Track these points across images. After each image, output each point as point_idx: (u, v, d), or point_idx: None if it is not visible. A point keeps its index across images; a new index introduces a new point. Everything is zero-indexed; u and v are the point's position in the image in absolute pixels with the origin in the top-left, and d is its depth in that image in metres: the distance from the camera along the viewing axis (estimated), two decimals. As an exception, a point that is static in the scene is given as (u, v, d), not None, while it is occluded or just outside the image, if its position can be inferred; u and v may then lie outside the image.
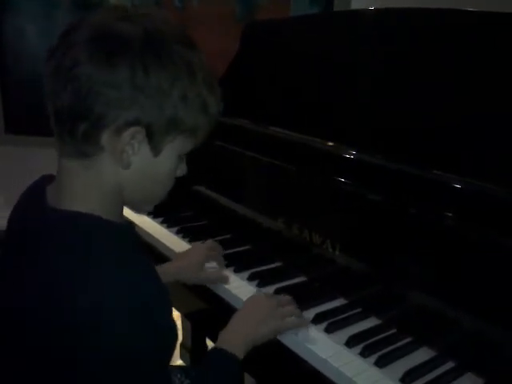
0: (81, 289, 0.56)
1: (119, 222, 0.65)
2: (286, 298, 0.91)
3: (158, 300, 0.60)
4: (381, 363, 0.79)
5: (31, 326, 0.59)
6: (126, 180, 0.63)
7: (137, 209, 0.71)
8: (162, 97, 0.58)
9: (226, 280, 1.03)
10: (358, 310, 0.93)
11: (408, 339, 0.85)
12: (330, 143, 1.04)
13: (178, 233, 1.25)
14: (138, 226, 1.29)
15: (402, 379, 0.76)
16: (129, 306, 0.56)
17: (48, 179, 0.68)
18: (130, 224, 0.69)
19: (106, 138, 0.59)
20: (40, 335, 0.58)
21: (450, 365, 0.80)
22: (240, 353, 0.79)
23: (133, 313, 0.57)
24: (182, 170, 0.69)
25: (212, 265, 1.08)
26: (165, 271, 1.05)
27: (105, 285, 0.56)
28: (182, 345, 1.82)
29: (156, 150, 0.62)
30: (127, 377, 0.58)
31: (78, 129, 0.58)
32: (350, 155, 0.98)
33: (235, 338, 0.81)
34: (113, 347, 0.56)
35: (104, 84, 0.56)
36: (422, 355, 0.82)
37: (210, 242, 1.10)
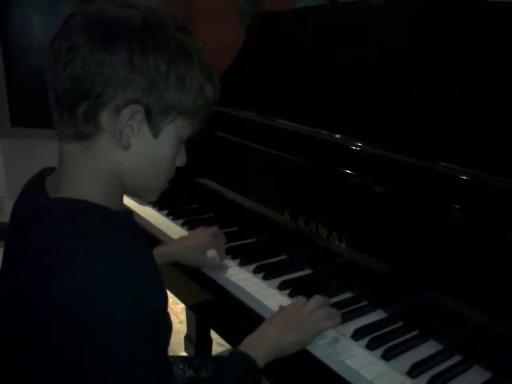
0: (69, 281, 0.55)
1: (117, 210, 0.64)
2: (317, 300, 0.87)
3: (151, 289, 0.60)
4: (387, 356, 0.79)
5: (31, 314, 0.59)
6: (125, 163, 0.63)
7: (139, 197, 0.71)
8: (159, 78, 0.59)
9: (225, 268, 1.04)
10: (365, 302, 0.93)
11: (415, 332, 0.85)
12: (337, 135, 1.03)
13: (183, 225, 1.25)
14: (144, 218, 1.29)
15: (409, 372, 0.76)
16: (122, 293, 0.56)
17: (48, 171, 0.68)
18: (129, 212, 0.68)
19: (105, 117, 0.59)
20: (39, 322, 0.58)
21: (457, 358, 0.79)
22: (260, 358, 0.78)
23: (128, 300, 0.56)
24: (181, 160, 0.69)
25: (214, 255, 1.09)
26: (166, 252, 1.06)
27: (97, 275, 0.55)
28: (186, 337, 1.83)
29: (155, 131, 0.62)
30: (124, 363, 0.57)
31: (79, 109, 0.59)
32: (357, 147, 0.97)
33: (258, 345, 0.81)
34: (108, 333, 0.55)
35: (101, 64, 0.57)
36: (429, 348, 0.82)
37: (214, 228, 1.10)
